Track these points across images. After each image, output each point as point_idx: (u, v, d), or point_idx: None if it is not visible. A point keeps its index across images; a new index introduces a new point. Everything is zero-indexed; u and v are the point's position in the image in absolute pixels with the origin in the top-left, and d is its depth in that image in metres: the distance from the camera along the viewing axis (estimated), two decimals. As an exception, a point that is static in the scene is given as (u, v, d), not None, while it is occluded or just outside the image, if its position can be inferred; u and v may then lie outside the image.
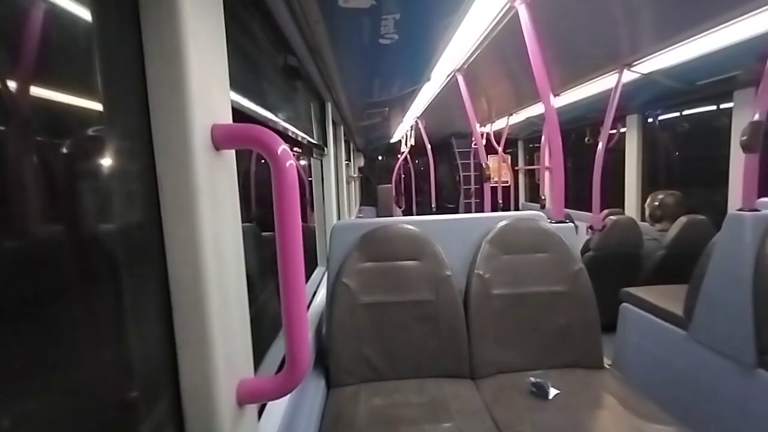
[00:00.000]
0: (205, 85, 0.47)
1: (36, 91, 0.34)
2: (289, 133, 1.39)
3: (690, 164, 3.25)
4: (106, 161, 0.43)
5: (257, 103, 0.94)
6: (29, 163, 0.34)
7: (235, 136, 0.50)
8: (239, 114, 0.82)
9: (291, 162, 0.50)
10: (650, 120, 3.28)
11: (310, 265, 2.18)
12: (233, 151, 0.56)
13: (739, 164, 2.25)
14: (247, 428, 0.55)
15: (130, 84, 0.43)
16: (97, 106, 0.41)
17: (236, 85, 0.83)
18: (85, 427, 0.39)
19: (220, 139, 0.49)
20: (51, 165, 0.37)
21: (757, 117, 1.47)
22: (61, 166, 0.38)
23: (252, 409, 0.58)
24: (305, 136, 1.71)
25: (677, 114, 3.18)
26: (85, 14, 0.39)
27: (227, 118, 0.55)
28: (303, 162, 2.40)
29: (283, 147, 0.49)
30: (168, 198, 0.45)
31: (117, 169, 0.44)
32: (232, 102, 0.78)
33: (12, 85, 0.32)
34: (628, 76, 2.36)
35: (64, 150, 0.38)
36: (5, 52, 0.31)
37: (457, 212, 5.83)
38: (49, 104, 0.36)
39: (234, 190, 0.56)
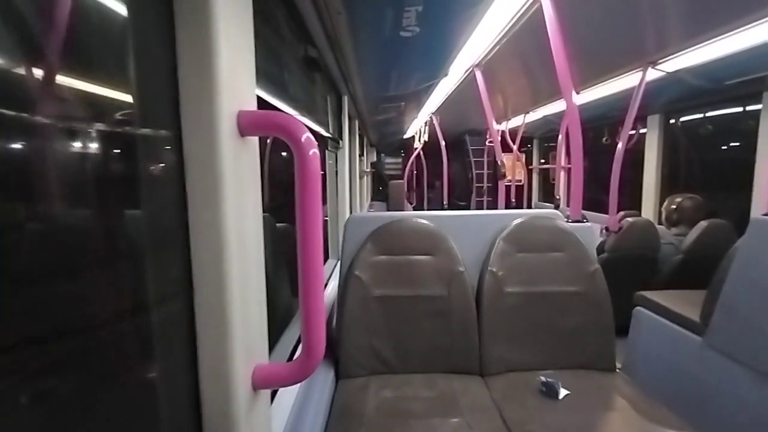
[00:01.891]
0: (233, 71, 0.47)
1: (70, 78, 0.35)
2: (307, 125, 1.39)
3: (712, 168, 3.16)
4: (137, 145, 0.44)
5: (278, 93, 0.95)
6: (61, 150, 0.35)
7: (260, 122, 0.51)
8: (261, 103, 0.83)
9: (314, 150, 0.50)
10: (672, 121, 3.19)
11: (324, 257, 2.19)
12: (257, 139, 0.56)
13: (765, 168, 2.18)
14: (260, 413, 0.56)
15: (162, 69, 0.44)
16: (130, 92, 0.42)
17: (259, 74, 0.83)
18: (107, 404, 0.40)
19: (245, 126, 0.50)
20: (84, 150, 0.38)
21: None
22: (93, 151, 0.39)
23: (266, 394, 0.59)
24: (320, 128, 1.71)
25: (701, 115, 3.08)
26: (119, 2, 0.40)
27: (252, 105, 0.55)
28: (327, 152, 2.40)
29: (307, 135, 0.49)
30: (194, 182, 0.46)
31: (146, 153, 0.45)
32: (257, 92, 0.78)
33: (41, 73, 0.32)
34: (652, 74, 2.30)
35: (98, 135, 0.39)
36: (37, 40, 0.32)
37: (468, 210, 5.79)
38: (85, 91, 0.37)
39: (256, 176, 0.56)
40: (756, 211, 2.31)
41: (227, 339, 0.48)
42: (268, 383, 0.55)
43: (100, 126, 0.39)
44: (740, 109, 2.70)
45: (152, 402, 0.46)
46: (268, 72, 0.91)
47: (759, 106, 2.34)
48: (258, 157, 0.57)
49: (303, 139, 0.49)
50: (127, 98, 0.42)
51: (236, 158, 0.48)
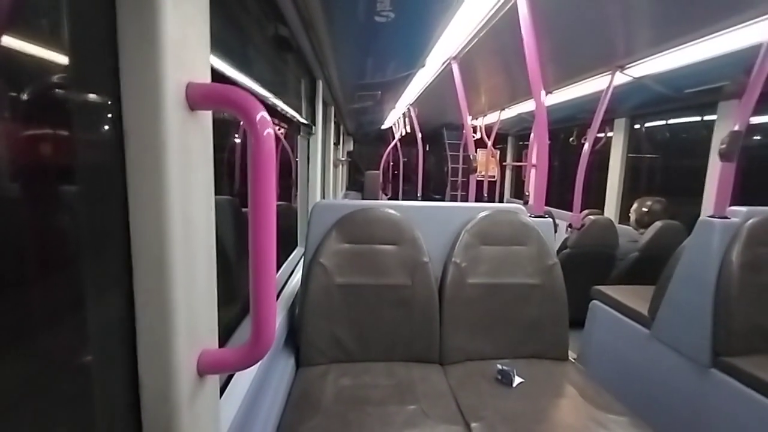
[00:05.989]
0: (182, 39, 0.45)
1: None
2: (278, 109, 1.35)
3: (672, 172, 3.33)
4: (71, 113, 0.41)
5: (242, 70, 0.91)
6: None
7: (211, 96, 0.48)
8: (224, 79, 0.79)
9: (269, 130, 0.48)
10: (637, 126, 3.33)
11: (291, 245, 2.16)
12: (210, 113, 0.53)
13: (716, 173, 2.32)
14: (206, 399, 0.55)
15: (99, 31, 0.41)
16: (63, 54, 0.39)
17: (222, 48, 0.79)
18: (36, 391, 0.38)
19: (195, 98, 0.47)
20: (12, 116, 0.35)
21: (737, 127, 1.51)
22: (22, 117, 0.36)
23: (213, 380, 0.57)
24: (294, 113, 1.67)
25: (663, 122, 3.23)
26: None
27: (205, 78, 0.52)
28: (298, 138, 2.35)
29: (262, 113, 0.47)
30: (134, 155, 0.43)
31: (81, 121, 0.42)
32: (216, 65, 0.75)
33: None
34: (620, 78, 2.38)
35: (26, 102, 0.36)
36: None
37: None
38: (13, 52, 0.34)
39: (208, 153, 0.54)
40: (705, 213, 2.46)
41: (168, 322, 0.46)
42: (214, 368, 0.54)
43: (29, 91, 0.36)
44: (698, 118, 2.85)
45: (85, 386, 0.43)
46: (233, 48, 0.87)
47: (714, 117, 2.49)
48: (211, 132, 0.54)
49: (258, 118, 0.47)
50: (61, 58, 0.39)
51: (183, 133, 0.46)
